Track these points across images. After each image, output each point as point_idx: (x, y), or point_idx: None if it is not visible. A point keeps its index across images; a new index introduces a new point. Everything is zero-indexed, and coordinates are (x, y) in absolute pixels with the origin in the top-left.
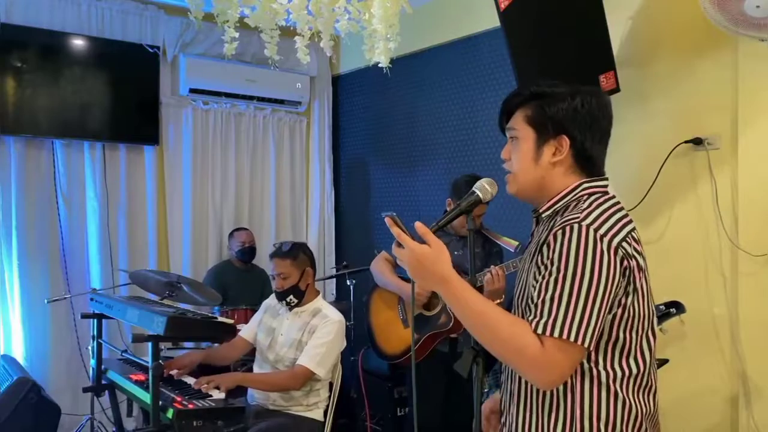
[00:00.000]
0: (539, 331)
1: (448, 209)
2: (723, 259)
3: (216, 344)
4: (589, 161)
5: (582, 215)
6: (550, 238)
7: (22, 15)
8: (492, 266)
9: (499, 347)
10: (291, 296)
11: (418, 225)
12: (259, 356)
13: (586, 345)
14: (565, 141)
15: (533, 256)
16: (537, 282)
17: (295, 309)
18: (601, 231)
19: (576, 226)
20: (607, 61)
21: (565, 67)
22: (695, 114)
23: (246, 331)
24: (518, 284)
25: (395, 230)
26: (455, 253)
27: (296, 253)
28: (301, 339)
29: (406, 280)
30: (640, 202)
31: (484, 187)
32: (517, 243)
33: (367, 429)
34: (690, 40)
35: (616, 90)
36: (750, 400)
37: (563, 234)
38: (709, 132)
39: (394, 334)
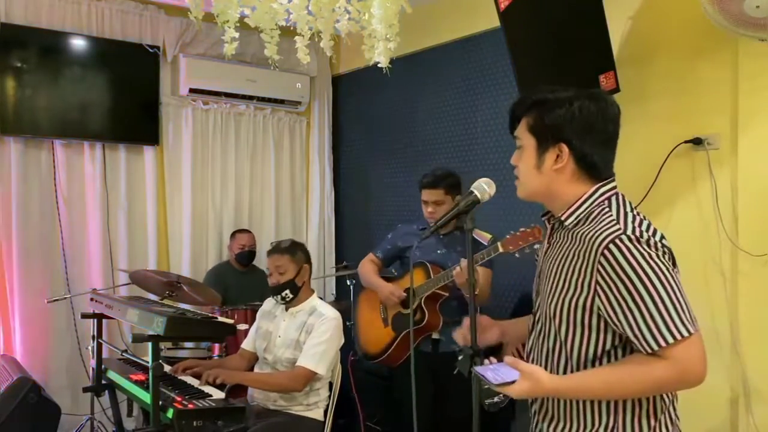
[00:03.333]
0: (654, 348)
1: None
2: (723, 259)
3: (217, 344)
4: (593, 167)
5: (622, 226)
6: (606, 257)
7: (22, 15)
8: (462, 259)
9: (643, 392)
10: (287, 291)
11: (507, 359)
12: (260, 360)
13: (698, 329)
14: (564, 148)
15: (569, 266)
16: (619, 307)
17: (291, 309)
18: (646, 236)
19: (624, 238)
20: (607, 61)
21: (565, 67)
22: (695, 114)
23: (248, 342)
24: (548, 290)
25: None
26: (437, 251)
27: (294, 249)
28: (299, 339)
29: (390, 279)
30: (640, 202)
31: (482, 187)
32: (490, 236)
33: (362, 428)
34: (690, 40)
35: (616, 90)
36: (750, 400)
37: (619, 251)
38: (709, 132)
39: (374, 333)
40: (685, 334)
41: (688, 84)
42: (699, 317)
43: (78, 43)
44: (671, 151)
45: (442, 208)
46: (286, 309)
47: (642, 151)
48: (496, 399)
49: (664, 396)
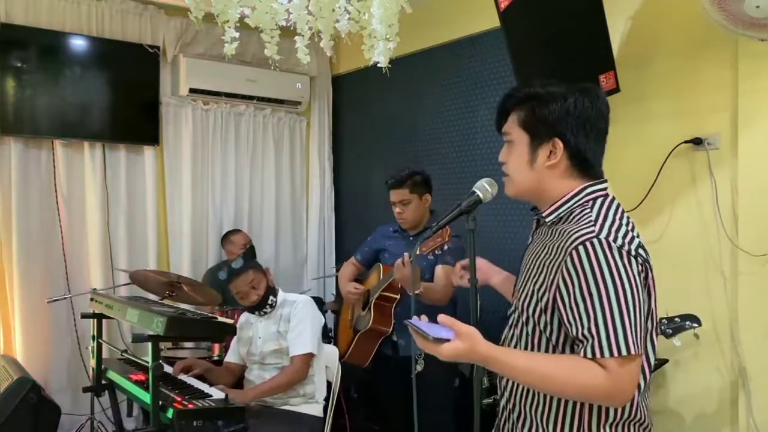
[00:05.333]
0: (599, 354)
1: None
2: (723, 259)
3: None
4: (586, 162)
5: (597, 228)
6: (572, 256)
7: (22, 15)
8: (405, 254)
9: (569, 392)
10: (270, 298)
11: (441, 318)
12: (248, 364)
13: (640, 353)
14: (559, 144)
15: (542, 261)
16: (570, 307)
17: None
18: (619, 242)
19: (596, 242)
20: (607, 61)
21: (565, 67)
22: (695, 114)
23: (231, 356)
24: (523, 283)
25: (419, 342)
26: (405, 254)
27: (253, 263)
28: (278, 330)
29: (361, 282)
30: (640, 203)
31: (484, 187)
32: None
33: (362, 428)
34: (690, 40)
35: (616, 90)
36: (750, 400)
37: (586, 253)
38: (709, 132)
39: (344, 334)
40: (624, 353)
41: (688, 84)
42: (700, 317)
43: (78, 43)
44: (671, 151)
45: (410, 207)
46: (270, 310)
47: (642, 151)
48: (491, 399)
49: (638, 411)
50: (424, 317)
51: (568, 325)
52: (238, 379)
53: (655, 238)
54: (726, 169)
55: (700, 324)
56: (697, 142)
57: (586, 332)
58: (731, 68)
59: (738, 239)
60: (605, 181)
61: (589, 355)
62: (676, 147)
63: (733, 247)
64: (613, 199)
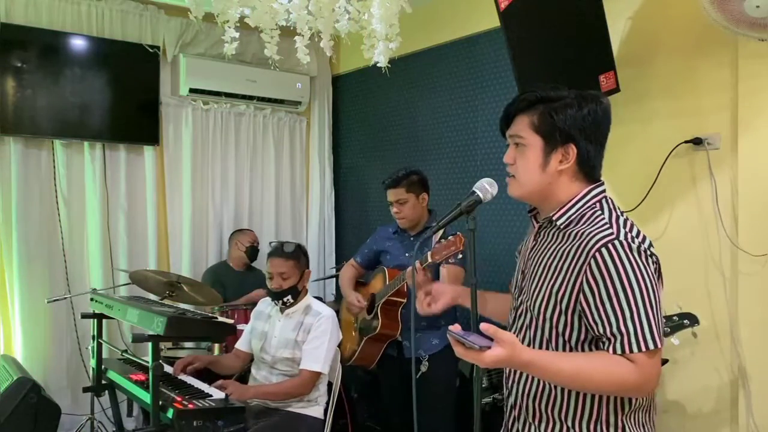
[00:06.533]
0: (629, 350)
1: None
2: (723, 259)
3: (216, 344)
4: (592, 168)
5: (615, 230)
6: (596, 258)
7: (22, 15)
8: (417, 262)
9: (606, 389)
10: (289, 296)
11: (483, 326)
12: (256, 360)
13: (662, 345)
14: (573, 150)
15: (558, 264)
16: (597, 307)
17: (287, 310)
18: (636, 243)
19: (617, 243)
20: (607, 61)
21: (565, 67)
22: (695, 114)
23: (242, 342)
24: (536, 285)
25: (458, 351)
26: (406, 254)
27: (299, 254)
28: (296, 339)
29: (362, 286)
30: (640, 202)
31: (484, 187)
32: (439, 236)
33: (362, 428)
34: (690, 40)
35: (616, 90)
36: (750, 400)
37: (609, 255)
38: (709, 132)
39: (348, 337)
40: (652, 347)
41: (688, 84)
42: (699, 317)
43: (78, 43)
44: (671, 151)
45: (406, 206)
46: (282, 310)
47: (642, 151)
48: (491, 398)
49: (649, 400)
50: (457, 326)
51: (593, 324)
52: (244, 366)
53: (654, 238)
54: (726, 169)
55: (698, 323)
56: (697, 142)
57: (615, 330)
58: (731, 68)
59: (738, 239)
60: (603, 183)
61: (619, 351)
62: (676, 147)
63: (733, 247)
64: (611, 199)
